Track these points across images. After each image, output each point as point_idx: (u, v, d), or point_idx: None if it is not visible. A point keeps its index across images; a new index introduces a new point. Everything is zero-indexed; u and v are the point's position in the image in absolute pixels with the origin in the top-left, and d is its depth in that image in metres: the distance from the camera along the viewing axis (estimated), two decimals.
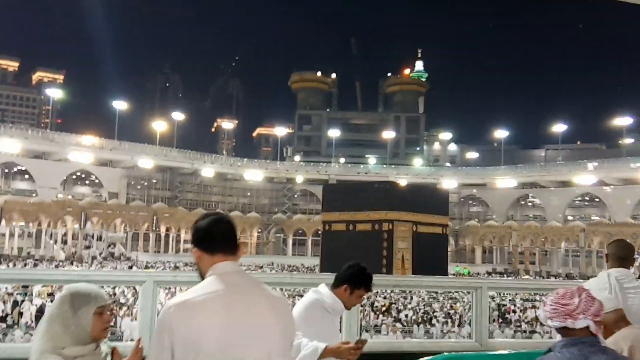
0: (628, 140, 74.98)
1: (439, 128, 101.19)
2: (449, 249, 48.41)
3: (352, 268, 3.12)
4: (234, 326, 1.86)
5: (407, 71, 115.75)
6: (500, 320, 19.44)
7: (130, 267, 40.32)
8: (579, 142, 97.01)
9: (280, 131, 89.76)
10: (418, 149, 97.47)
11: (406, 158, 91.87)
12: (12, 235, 50.20)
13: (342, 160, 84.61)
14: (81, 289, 2.19)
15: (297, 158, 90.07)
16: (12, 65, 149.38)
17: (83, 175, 65.23)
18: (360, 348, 2.72)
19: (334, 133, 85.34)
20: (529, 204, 73.34)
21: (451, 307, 21.56)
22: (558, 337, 2.16)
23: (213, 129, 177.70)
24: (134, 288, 18.03)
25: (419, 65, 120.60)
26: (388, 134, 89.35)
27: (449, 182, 71.07)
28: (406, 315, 19.80)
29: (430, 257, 33.63)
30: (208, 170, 69.21)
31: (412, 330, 17.44)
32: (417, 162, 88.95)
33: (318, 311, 3.01)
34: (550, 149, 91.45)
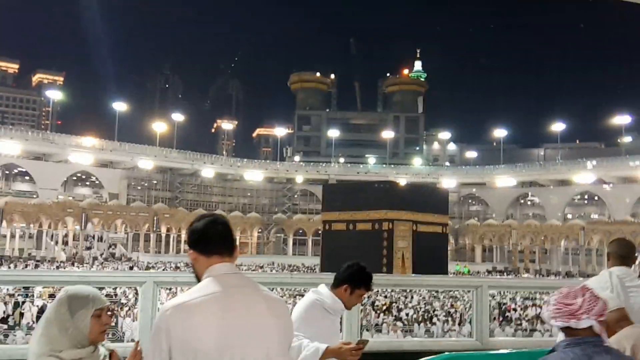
0: (627, 139, 74.87)
1: (438, 127, 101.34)
2: (449, 248, 48.42)
3: (352, 268, 3.11)
4: (232, 328, 1.85)
5: (406, 71, 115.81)
6: (501, 318, 19.43)
7: (131, 268, 40.32)
8: (578, 141, 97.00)
9: (280, 131, 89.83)
10: (417, 148, 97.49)
11: (406, 158, 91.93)
12: (13, 236, 50.19)
13: (341, 160, 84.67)
14: (79, 292, 2.17)
15: (297, 158, 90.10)
16: (12, 67, 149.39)
17: (83, 177, 65.27)
18: (362, 348, 2.71)
19: (334, 133, 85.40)
20: (529, 202, 73.39)
21: (452, 305, 21.54)
22: (559, 335, 2.15)
23: (213, 130, 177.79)
24: (135, 288, 18.01)
25: (418, 65, 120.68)
26: (387, 134, 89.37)
27: (448, 182, 71.13)
28: (407, 314, 19.78)
29: (430, 256, 33.64)
30: (208, 171, 69.24)
31: (412, 329, 17.44)
32: (417, 161, 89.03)
33: (318, 312, 2.99)
34: (550, 148, 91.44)
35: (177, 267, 40.12)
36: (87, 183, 66.91)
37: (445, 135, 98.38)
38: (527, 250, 59.37)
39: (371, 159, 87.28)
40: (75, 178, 64.94)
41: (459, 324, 18.00)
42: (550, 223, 60.02)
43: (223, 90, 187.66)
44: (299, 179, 73.17)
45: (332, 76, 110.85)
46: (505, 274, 51.71)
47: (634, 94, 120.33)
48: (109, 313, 2.24)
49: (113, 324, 14.24)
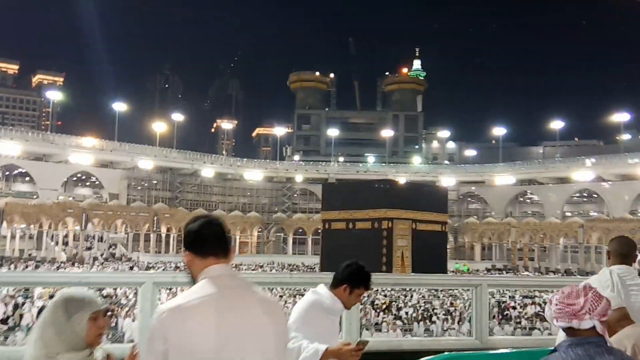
0: (625, 137, 74.95)
1: (437, 126, 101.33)
2: (448, 246, 48.48)
3: (351, 267, 3.09)
4: (229, 329, 1.84)
5: (405, 70, 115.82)
6: (500, 316, 19.43)
7: (132, 268, 40.35)
8: (576, 139, 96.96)
9: (280, 131, 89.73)
10: (417, 147, 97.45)
11: (405, 156, 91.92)
12: (13, 237, 50.13)
13: (341, 159, 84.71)
14: (75, 294, 2.16)
15: (296, 157, 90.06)
16: (12, 68, 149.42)
17: (83, 177, 65.21)
18: (362, 349, 2.70)
19: (333, 132, 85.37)
20: (528, 200, 73.38)
21: (451, 304, 21.55)
22: (560, 334, 2.13)
23: (213, 130, 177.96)
24: (135, 289, 17.99)
25: (417, 64, 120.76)
26: (387, 133, 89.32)
27: (447, 180, 71.12)
28: (406, 313, 19.78)
29: (430, 255, 33.71)
30: (208, 171, 69.20)
31: (412, 328, 17.44)
32: (416, 160, 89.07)
33: (318, 312, 2.97)
34: (548, 146, 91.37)
35: (177, 267, 40.13)
36: (87, 183, 66.86)
37: (444, 133, 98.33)
38: (526, 248, 59.40)
39: (370, 158, 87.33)
40: (75, 178, 64.88)
41: (459, 322, 18.01)
42: (549, 221, 60.02)
43: (223, 90, 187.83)
44: (299, 178, 73.14)
45: (332, 75, 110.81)
46: (504, 272, 51.73)
47: (633, 91, 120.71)
48: (108, 314, 2.23)
49: (113, 324, 14.22)
